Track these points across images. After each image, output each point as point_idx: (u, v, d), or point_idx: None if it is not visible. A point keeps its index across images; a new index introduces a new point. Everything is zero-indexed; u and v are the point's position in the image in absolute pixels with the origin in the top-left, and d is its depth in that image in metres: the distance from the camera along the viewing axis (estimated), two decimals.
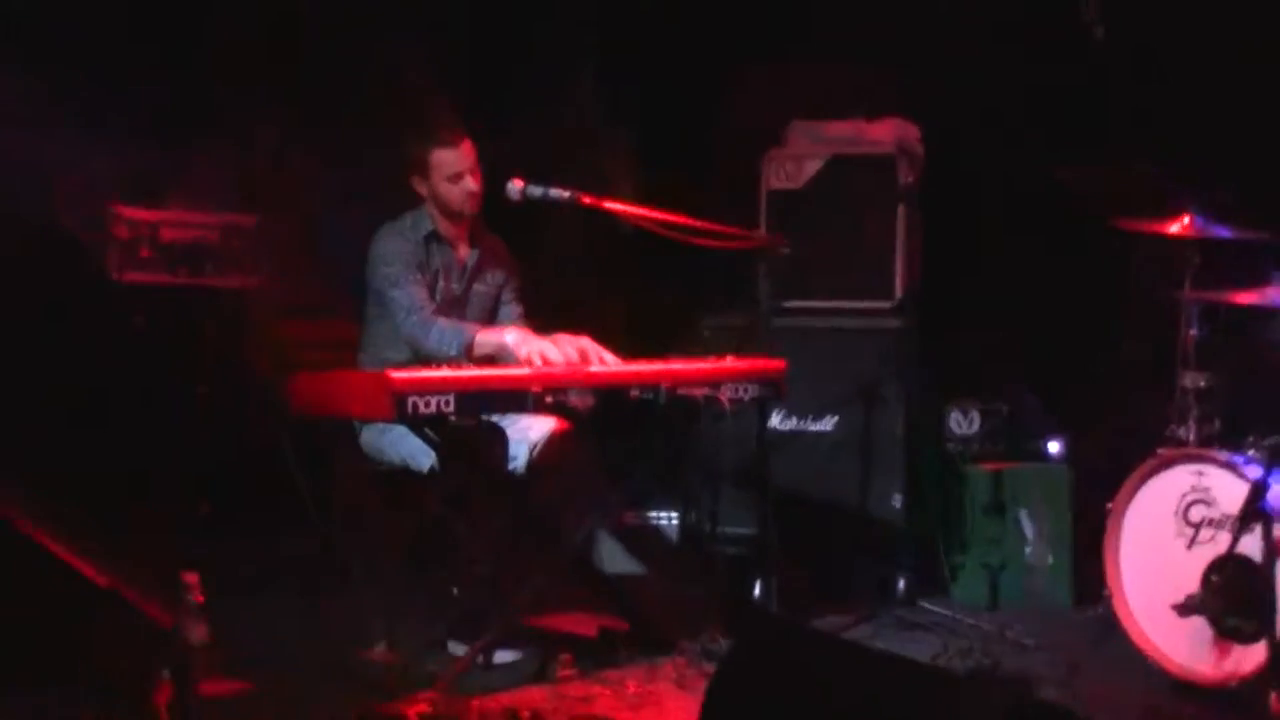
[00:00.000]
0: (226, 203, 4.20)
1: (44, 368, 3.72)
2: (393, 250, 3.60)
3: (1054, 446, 4.35)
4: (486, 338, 3.53)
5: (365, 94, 4.45)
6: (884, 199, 4.34)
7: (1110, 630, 3.56)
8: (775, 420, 4.30)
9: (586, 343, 3.53)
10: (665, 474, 4.37)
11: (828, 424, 4.33)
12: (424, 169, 3.61)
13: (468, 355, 3.48)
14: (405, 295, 3.57)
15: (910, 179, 4.36)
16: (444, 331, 3.52)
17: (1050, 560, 4.20)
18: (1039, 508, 4.23)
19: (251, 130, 4.36)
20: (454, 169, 3.59)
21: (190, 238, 4.00)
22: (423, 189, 3.64)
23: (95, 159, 3.77)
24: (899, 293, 4.34)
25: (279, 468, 3.82)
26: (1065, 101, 4.48)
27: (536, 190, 3.51)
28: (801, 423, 4.35)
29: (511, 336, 3.50)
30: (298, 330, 3.99)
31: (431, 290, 3.64)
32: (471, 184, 3.61)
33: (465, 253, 3.73)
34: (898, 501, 4.23)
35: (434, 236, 3.68)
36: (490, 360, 3.49)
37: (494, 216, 3.78)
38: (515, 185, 3.51)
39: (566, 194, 3.50)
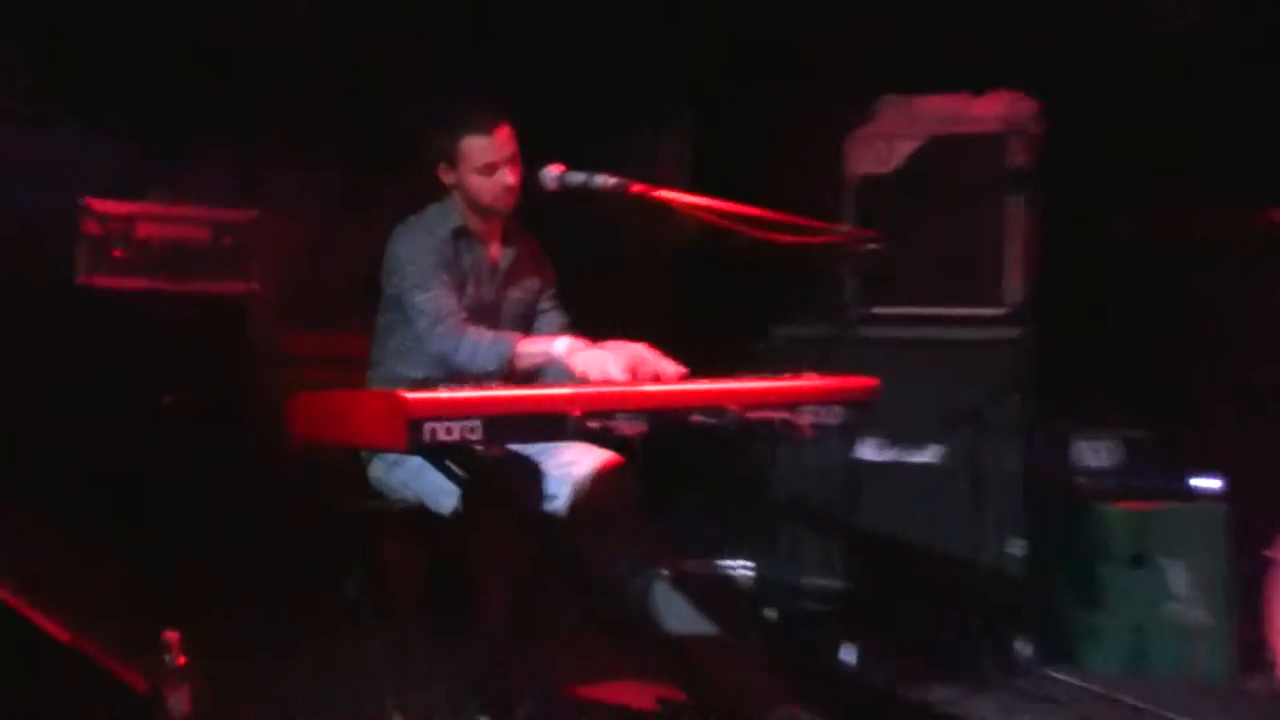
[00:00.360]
0: (219, 196, 4.20)
1: None
2: (416, 248, 3.57)
3: (1207, 482, 4.25)
4: (531, 348, 3.49)
5: (383, 75, 4.45)
6: (993, 186, 4.32)
7: (1278, 704, 3.43)
8: (866, 450, 4.30)
9: (643, 351, 3.46)
10: (735, 515, 4.31)
11: (930, 454, 4.29)
12: (452, 157, 3.59)
13: (508, 370, 3.44)
14: (431, 300, 3.53)
15: (1024, 161, 4.33)
16: (478, 343, 3.49)
17: (1204, 620, 4.10)
18: (1190, 556, 4.13)
19: (250, 112, 4.36)
20: (486, 159, 3.57)
21: (174, 236, 3.99)
22: (449, 179, 3.62)
23: (62, 144, 3.78)
24: (1013, 297, 4.32)
25: (279, 506, 3.78)
26: (1201, 70, 4.42)
27: (576, 178, 3.47)
28: (898, 452, 4.32)
29: (562, 345, 3.44)
30: (303, 344, 3.97)
31: (459, 295, 3.61)
32: (508, 177, 3.59)
33: (498, 253, 3.71)
34: (1017, 548, 4.18)
35: (462, 232, 3.65)
36: (531, 377, 3.46)
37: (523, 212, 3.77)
38: (551, 172, 3.48)
39: (612, 182, 3.45)
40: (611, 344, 3.51)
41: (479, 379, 3.32)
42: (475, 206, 3.63)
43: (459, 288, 3.62)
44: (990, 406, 4.20)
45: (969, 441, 4.21)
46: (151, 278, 3.98)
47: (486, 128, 3.57)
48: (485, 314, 3.68)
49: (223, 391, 4.01)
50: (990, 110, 4.41)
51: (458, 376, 3.43)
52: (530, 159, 3.55)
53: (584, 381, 3.29)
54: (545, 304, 3.79)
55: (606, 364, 3.35)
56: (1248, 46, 4.38)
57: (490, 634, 3.37)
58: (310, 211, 4.33)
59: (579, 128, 4.38)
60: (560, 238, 3.88)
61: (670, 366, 3.46)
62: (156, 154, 4.08)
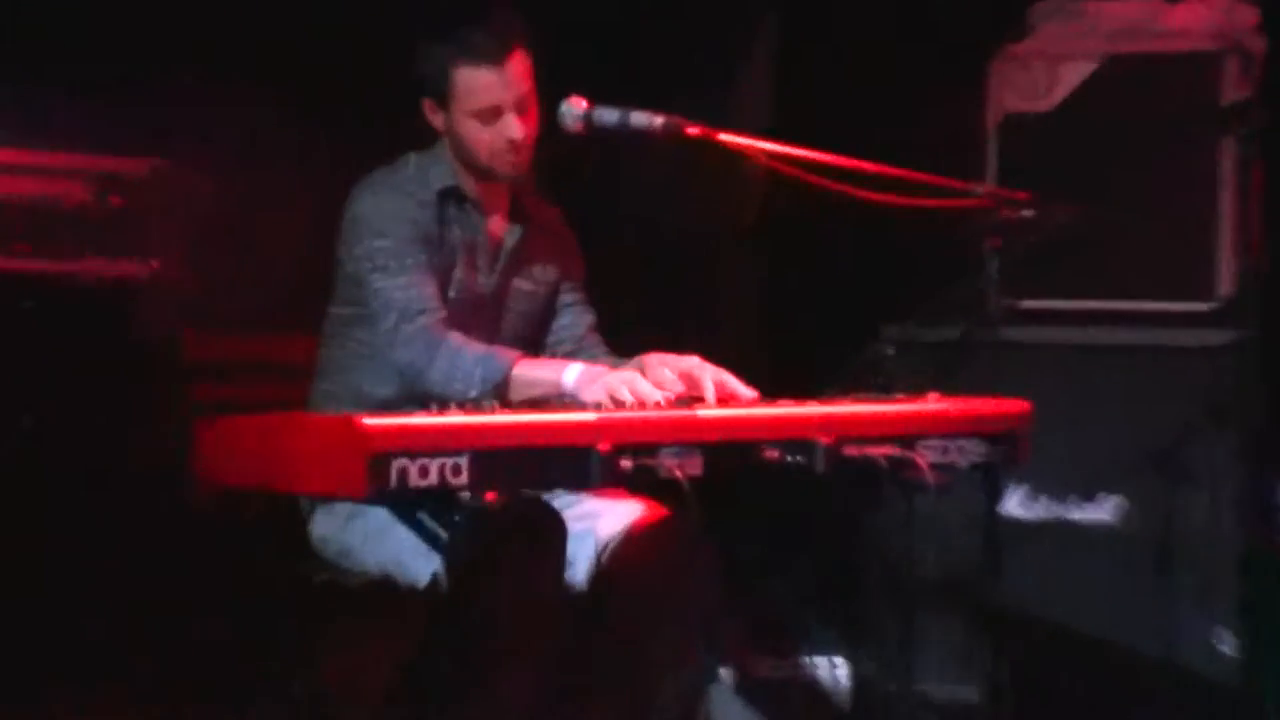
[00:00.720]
0: (104, 140, 4.18)
1: None
2: (385, 214, 3.58)
3: None
4: (531, 373, 3.50)
5: None
6: (1198, 129, 4.29)
7: None
8: (1012, 502, 4.28)
9: (695, 365, 3.48)
10: (825, 591, 4.24)
11: (1102, 510, 4.27)
12: (442, 92, 3.59)
13: (498, 398, 3.45)
14: (400, 288, 3.54)
15: (1243, 92, 4.30)
16: (459, 355, 3.50)
17: None
18: None
19: (149, 18, 4.35)
20: (488, 100, 3.57)
21: (38, 194, 3.98)
22: (438, 121, 3.65)
23: None
24: (1225, 288, 4.30)
25: (183, 578, 3.74)
26: None
27: (609, 116, 3.50)
28: (1057, 507, 4.31)
29: (573, 375, 3.45)
30: (218, 348, 3.96)
31: (444, 282, 3.62)
32: (515, 128, 3.57)
33: (502, 226, 3.72)
34: (1226, 643, 4.16)
35: (453, 195, 3.67)
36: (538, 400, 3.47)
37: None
38: (575, 107, 3.52)
39: (659, 121, 3.48)
40: (650, 358, 3.51)
41: (465, 404, 3.29)
42: (469, 162, 3.64)
43: (445, 271, 3.62)
44: (1191, 442, 4.17)
45: (1159, 492, 4.19)
46: (4, 254, 3.94)
47: (492, 55, 3.55)
48: (480, 312, 3.68)
49: (104, 414, 3.98)
50: (1193, 20, 4.40)
51: (437, 399, 3.39)
52: (553, 94, 3.53)
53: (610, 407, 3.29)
54: (568, 297, 3.80)
55: (636, 384, 3.33)
56: None
57: None
58: (231, 162, 4.33)
59: (620, 54, 4.36)
60: (588, 202, 3.84)
61: (737, 386, 3.45)
62: (7, 80, 4.05)
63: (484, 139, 3.57)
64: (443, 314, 3.55)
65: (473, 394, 3.43)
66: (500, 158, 3.58)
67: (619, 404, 3.32)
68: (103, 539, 3.97)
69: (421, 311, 3.52)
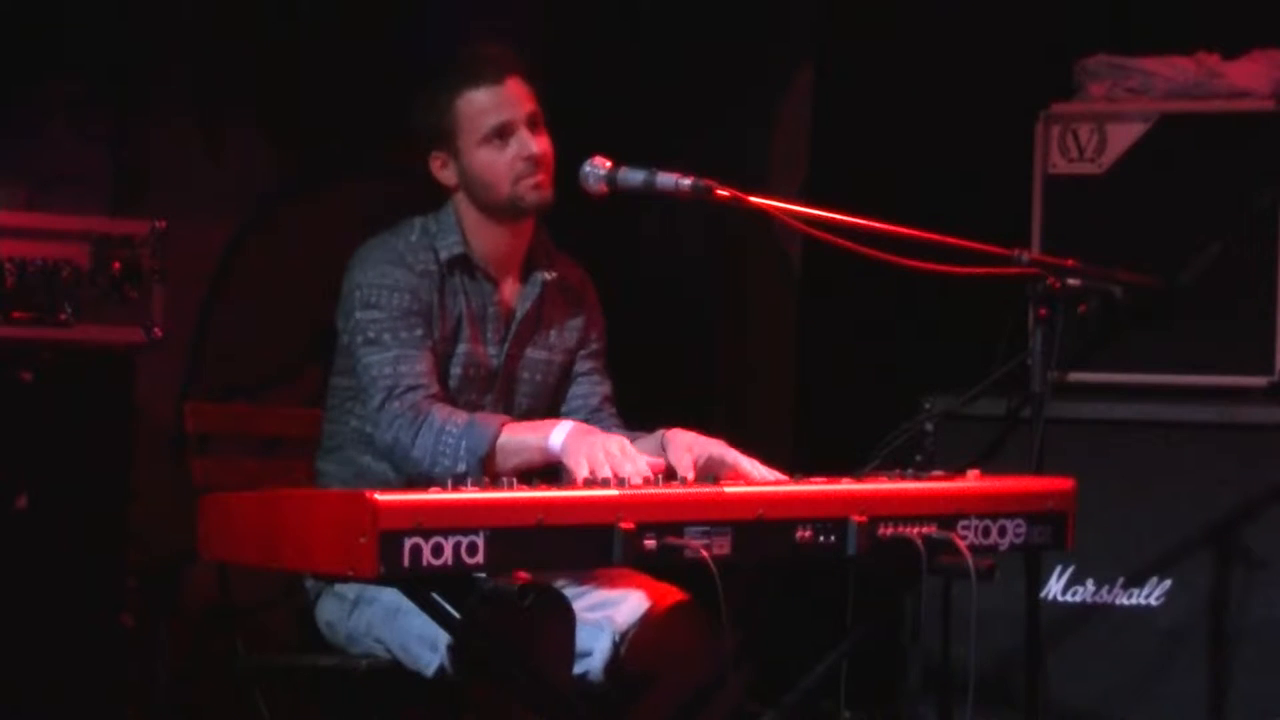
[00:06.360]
0: (100, 197, 4.27)
1: None
2: (382, 282, 3.63)
3: None
4: (516, 438, 3.52)
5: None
6: (1258, 193, 4.33)
7: None
8: (1055, 587, 4.29)
9: (713, 446, 3.53)
10: (859, 683, 4.28)
11: (1153, 595, 4.29)
12: (448, 131, 3.66)
13: (485, 470, 3.47)
14: (389, 363, 3.58)
15: None
16: (443, 430, 3.52)
17: None
18: None
19: (150, 71, 4.45)
20: (495, 118, 3.63)
21: (33, 258, 4.01)
22: (449, 174, 3.69)
23: None
24: None
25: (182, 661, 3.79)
26: None
27: (634, 176, 3.53)
28: (1105, 592, 4.32)
29: (561, 435, 3.48)
30: (223, 418, 3.98)
31: (447, 355, 3.67)
32: (531, 143, 3.63)
33: (515, 292, 3.76)
34: None
35: (462, 264, 3.71)
36: (555, 474, 3.48)
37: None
38: (598, 166, 3.54)
39: (687, 183, 3.52)
40: (678, 436, 3.54)
41: (452, 479, 3.32)
42: (491, 203, 3.67)
43: (447, 342, 3.67)
44: (1248, 525, 4.17)
45: (1213, 578, 4.19)
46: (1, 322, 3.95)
47: (489, 77, 3.64)
48: (489, 385, 3.73)
49: (102, 490, 4.01)
50: (1252, 78, 4.44)
51: (420, 479, 3.45)
52: (584, 154, 3.57)
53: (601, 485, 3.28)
54: (584, 365, 3.83)
55: (622, 465, 3.36)
56: None
57: None
58: (244, 221, 4.39)
59: (650, 110, 4.40)
60: (603, 262, 3.91)
61: (757, 468, 3.50)
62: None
63: (501, 164, 3.62)
64: (434, 391, 3.58)
65: (460, 469, 3.45)
66: (523, 181, 3.62)
67: (598, 479, 3.30)
68: (100, 624, 3.96)
69: (410, 389, 3.55)
